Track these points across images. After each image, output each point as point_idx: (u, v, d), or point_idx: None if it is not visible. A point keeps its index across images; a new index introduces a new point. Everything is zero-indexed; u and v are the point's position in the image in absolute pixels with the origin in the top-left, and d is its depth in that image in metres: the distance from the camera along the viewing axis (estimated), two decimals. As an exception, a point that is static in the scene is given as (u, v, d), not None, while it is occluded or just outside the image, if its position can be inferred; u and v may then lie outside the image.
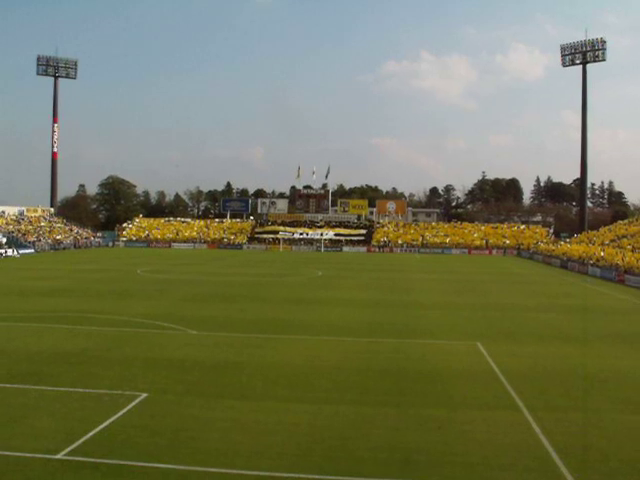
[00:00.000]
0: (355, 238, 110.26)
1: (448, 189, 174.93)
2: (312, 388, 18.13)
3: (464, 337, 26.38)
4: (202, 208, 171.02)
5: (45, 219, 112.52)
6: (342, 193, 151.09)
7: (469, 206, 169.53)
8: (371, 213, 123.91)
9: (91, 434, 13.76)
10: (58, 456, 12.55)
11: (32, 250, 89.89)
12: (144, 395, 16.83)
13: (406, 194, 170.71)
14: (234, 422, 14.91)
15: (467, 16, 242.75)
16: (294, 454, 12.96)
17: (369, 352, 23.25)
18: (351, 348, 23.87)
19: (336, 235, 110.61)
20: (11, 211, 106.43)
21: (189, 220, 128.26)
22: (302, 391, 17.78)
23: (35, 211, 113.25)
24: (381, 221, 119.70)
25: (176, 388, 17.83)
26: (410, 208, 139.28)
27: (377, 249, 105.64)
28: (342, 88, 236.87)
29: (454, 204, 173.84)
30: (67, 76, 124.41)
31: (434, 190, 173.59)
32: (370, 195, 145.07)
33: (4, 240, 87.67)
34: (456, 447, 13.51)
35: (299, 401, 16.72)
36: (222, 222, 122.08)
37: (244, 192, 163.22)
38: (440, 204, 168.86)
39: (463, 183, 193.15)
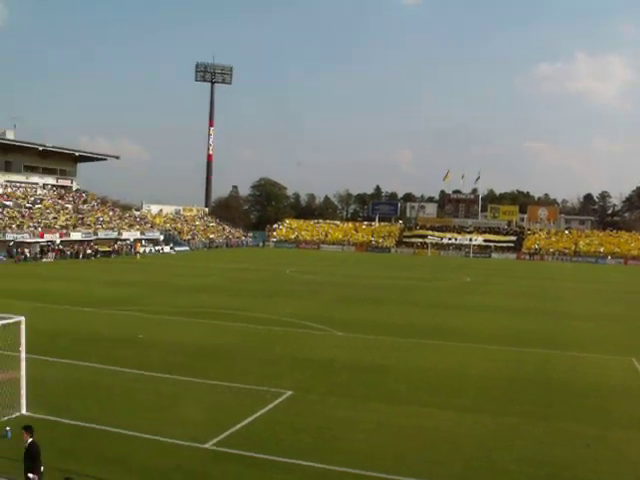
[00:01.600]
0: (504, 244, 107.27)
1: (603, 196, 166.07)
2: (456, 395, 17.98)
3: (618, 351, 25.08)
4: (351, 211, 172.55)
5: (200, 218, 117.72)
6: (492, 198, 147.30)
7: (626, 214, 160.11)
8: (522, 219, 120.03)
9: (237, 427, 14.40)
10: (206, 445, 13.24)
11: (187, 248, 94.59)
12: (289, 393, 17.36)
13: (559, 200, 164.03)
14: (378, 425, 15.08)
15: (626, 13, 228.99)
16: (434, 461, 12.93)
17: (515, 361, 22.70)
18: (497, 357, 23.43)
19: (485, 241, 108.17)
20: (168, 210, 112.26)
21: (338, 222, 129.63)
22: (445, 397, 17.68)
23: (191, 210, 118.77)
24: (532, 228, 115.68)
25: (321, 388, 18.24)
26: (563, 215, 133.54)
27: (527, 256, 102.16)
28: (492, 91, 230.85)
29: (610, 212, 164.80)
30: (223, 82, 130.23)
31: (588, 197, 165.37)
32: (521, 201, 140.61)
33: (161, 237, 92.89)
34: (607, 466, 12.93)
35: (442, 407, 16.64)
36: (370, 225, 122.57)
37: (393, 196, 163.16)
38: (595, 211, 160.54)
39: (620, 190, 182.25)
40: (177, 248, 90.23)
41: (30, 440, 10.85)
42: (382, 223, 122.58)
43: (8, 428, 13.23)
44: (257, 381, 18.42)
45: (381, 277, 57.42)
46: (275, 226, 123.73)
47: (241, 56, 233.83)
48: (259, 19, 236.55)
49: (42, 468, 10.41)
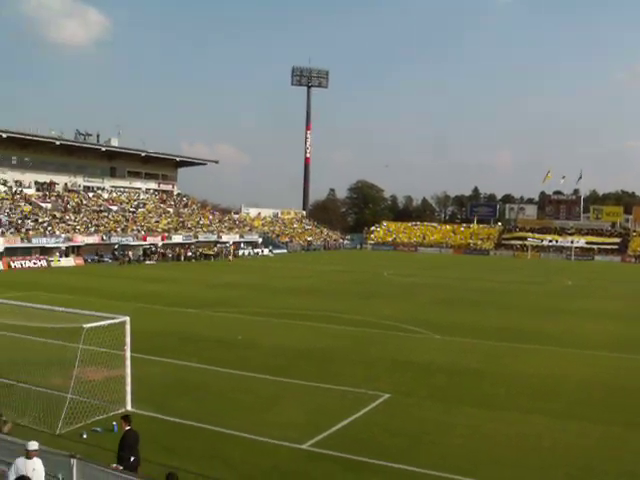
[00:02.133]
0: (608, 247, 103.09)
1: None
2: (557, 402, 17.41)
3: None
4: (449, 213, 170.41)
5: (297, 221, 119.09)
6: (595, 199, 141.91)
7: None
8: (626, 220, 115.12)
9: (335, 429, 14.45)
10: (303, 446, 13.36)
11: (285, 250, 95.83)
12: (387, 396, 17.28)
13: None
14: (475, 430, 14.81)
15: None
16: (536, 467, 12.56)
17: (621, 368, 21.78)
18: (601, 363, 22.57)
19: (587, 243, 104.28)
20: (267, 213, 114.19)
21: (435, 225, 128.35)
22: (546, 404, 17.13)
23: (288, 213, 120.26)
24: (638, 229, 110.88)
25: (419, 391, 18.08)
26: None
27: (633, 259, 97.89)
28: (592, 88, 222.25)
29: None
30: (319, 85, 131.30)
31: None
32: (626, 201, 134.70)
33: (260, 240, 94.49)
34: None
35: (542, 414, 16.13)
36: (469, 227, 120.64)
37: (491, 197, 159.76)
38: None
39: None
40: (275, 251, 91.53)
41: (127, 428, 11.34)
42: (480, 225, 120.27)
43: (114, 423, 13.75)
44: (355, 383, 18.43)
45: (479, 280, 56.35)
46: (372, 228, 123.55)
47: (337, 59, 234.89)
48: (355, 21, 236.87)
49: (135, 457, 10.80)
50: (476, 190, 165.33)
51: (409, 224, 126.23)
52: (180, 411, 15.27)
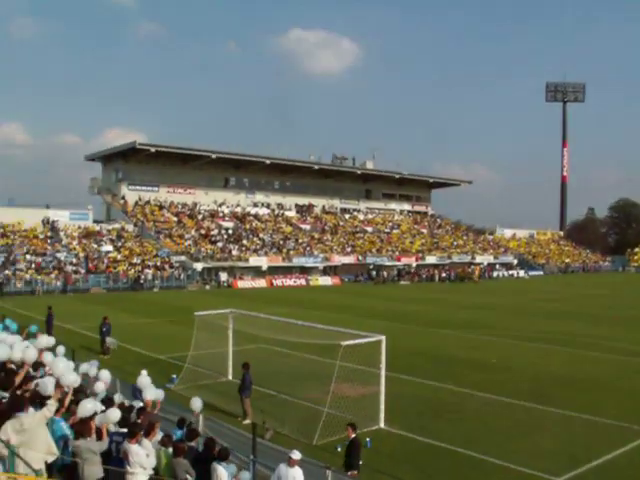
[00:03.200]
0: None
1: None
2: None
3: None
4: None
5: (554, 242, 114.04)
6: None
7: None
8: None
9: (594, 463, 13.33)
10: (559, 479, 12.49)
11: (541, 272, 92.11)
12: (657, 432, 15.68)
13: None
14: None
15: None
16: None
17: None
18: None
19: None
20: (522, 234, 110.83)
21: None
22: None
23: (544, 234, 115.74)
24: None
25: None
26: None
27: None
28: None
29: None
30: (575, 100, 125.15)
31: None
32: None
33: (515, 261, 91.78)
34: None
35: None
36: None
37: None
38: None
39: None
40: (531, 272, 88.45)
41: (353, 436, 11.69)
42: None
43: (368, 439, 13.95)
44: (618, 416, 16.95)
45: None
46: (636, 250, 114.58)
47: (593, 72, 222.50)
48: (611, 31, 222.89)
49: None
50: None
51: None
52: (433, 432, 15.09)
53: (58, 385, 8.74)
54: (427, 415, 16.88)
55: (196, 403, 11.45)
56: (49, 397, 8.38)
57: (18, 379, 9.45)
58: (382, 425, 15.47)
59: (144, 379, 11.77)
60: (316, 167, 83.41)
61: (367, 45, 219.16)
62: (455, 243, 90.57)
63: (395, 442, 14.53)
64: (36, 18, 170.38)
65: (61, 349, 12.48)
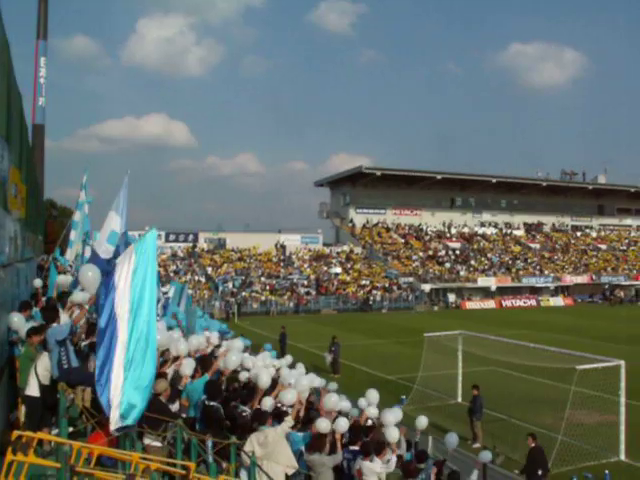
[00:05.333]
0: None
1: None
2: None
3: None
4: None
5: None
6: None
7: None
8: None
9: None
10: None
11: None
12: None
13: None
14: None
15: None
16: None
17: None
18: None
19: None
20: None
21: None
22: None
23: None
24: None
25: None
26: None
27: None
28: None
29: None
30: None
31: None
32: None
33: None
34: None
35: None
36: None
37: None
38: None
39: None
40: None
41: (533, 445, 11.96)
42: None
43: (607, 471, 13.29)
44: None
45: None
46: None
47: None
48: None
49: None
50: None
51: None
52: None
53: (298, 401, 9.38)
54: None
55: (421, 421, 11.17)
56: (287, 413, 9.02)
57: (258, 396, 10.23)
58: (622, 457, 14.64)
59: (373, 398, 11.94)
60: (544, 184, 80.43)
61: (591, 53, 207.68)
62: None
63: (638, 477, 13.68)
64: (261, 56, 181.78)
65: (301, 366, 13.21)
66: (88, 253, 15.59)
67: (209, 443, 7.05)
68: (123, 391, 5.96)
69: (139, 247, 6.34)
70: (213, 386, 9.15)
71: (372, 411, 10.53)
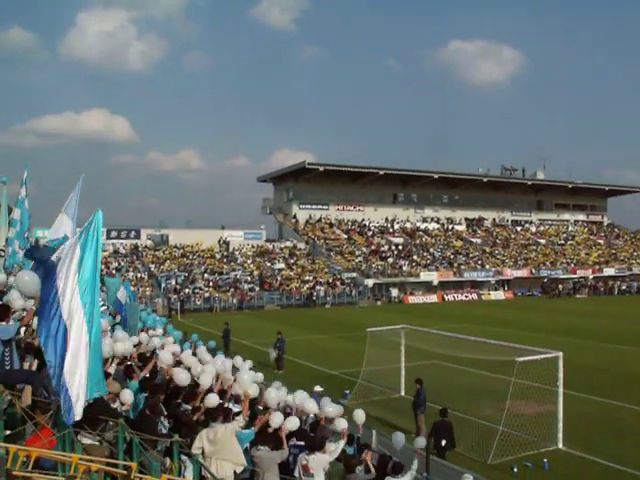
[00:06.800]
0: None
1: None
2: None
3: None
4: None
5: None
6: None
7: None
8: None
9: None
10: None
11: None
12: None
13: None
14: None
15: None
16: None
17: None
18: None
19: None
20: None
21: None
22: None
23: None
24: None
25: None
26: None
27: None
28: None
29: None
30: None
31: None
32: None
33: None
34: None
35: None
36: None
37: None
38: None
39: None
40: None
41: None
42: None
43: (545, 460, 13.61)
44: None
45: None
46: None
47: None
48: None
49: None
50: None
51: None
52: (615, 455, 14.34)
53: (245, 396, 9.36)
54: (609, 437, 16.09)
55: (358, 415, 11.00)
56: (231, 410, 8.96)
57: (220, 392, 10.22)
58: (560, 446, 15.00)
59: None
60: (485, 179, 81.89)
61: (529, 51, 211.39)
62: (635, 253, 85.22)
63: (574, 464, 14.04)
64: (204, 52, 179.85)
65: (247, 363, 13.05)
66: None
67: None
68: (87, 375, 5.73)
69: (88, 226, 6.13)
70: (147, 382, 9.21)
71: (311, 406, 10.50)
